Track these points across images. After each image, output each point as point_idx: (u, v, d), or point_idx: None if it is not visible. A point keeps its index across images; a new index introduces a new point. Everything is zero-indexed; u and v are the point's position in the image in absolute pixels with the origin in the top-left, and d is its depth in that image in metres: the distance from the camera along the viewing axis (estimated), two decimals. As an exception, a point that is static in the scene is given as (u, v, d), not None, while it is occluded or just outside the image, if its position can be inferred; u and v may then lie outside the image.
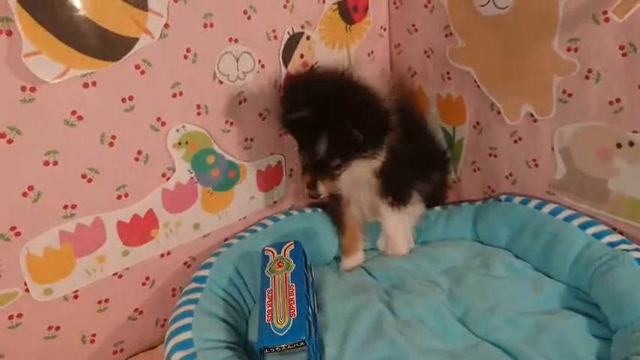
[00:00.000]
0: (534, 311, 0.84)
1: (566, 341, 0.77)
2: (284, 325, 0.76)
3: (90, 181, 0.82)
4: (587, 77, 0.88)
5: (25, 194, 0.77)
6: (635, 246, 0.85)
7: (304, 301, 0.80)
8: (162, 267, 0.96)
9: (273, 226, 1.06)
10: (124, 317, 0.94)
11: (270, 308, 0.79)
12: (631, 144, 0.86)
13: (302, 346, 0.75)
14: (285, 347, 0.75)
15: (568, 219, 0.93)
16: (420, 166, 1.07)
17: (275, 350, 0.75)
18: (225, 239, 1.02)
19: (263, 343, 0.75)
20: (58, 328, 0.86)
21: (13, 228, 0.78)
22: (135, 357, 0.97)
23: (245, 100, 0.98)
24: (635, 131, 0.84)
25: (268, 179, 1.08)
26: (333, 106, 0.86)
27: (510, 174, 1.06)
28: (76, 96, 0.77)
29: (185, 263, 0.99)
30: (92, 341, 0.91)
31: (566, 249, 0.89)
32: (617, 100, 0.85)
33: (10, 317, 0.81)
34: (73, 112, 0.77)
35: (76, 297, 0.87)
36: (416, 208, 1.09)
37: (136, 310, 0.95)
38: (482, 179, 1.12)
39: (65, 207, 0.82)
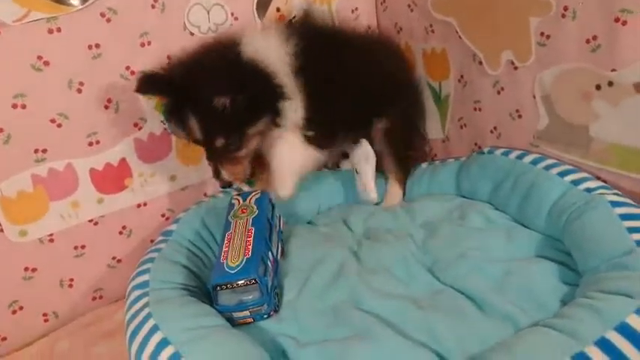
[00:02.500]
0: (504, 259, 0.81)
1: (532, 286, 0.74)
2: (237, 263, 0.76)
3: (59, 126, 0.85)
4: (563, 15, 0.83)
5: (-6, 136, 0.81)
6: (614, 191, 0.80)
7: (262, 244, 0.80)
8: (139, 217, 0.98)
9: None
10: (103, 265, 0.97)
11: (226, 249, 0.79)
12: (610, 84, 0.81)
13: (253, 284, 0.75)
14: (238, 285, 0.75)
15: (548, 167, 0.88)
16: (359, 106, 0.95)
17: (227, 288, 0.75)
18: (205, 194, 1.04)
19: (215, 281, 0.75)
20: (34, 269, 0.90)
21: (-16, 170, 0.82)
22: (115, 303, 0.99)
23: (219, 53, 0.99)
24: (613, 69, 0.79)
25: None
26: (186, 80, 0.78)
27: (495, 127, 1.02)
28: (42, 41, 0.80)
29: (163, 215, 1.01)
30: (70, 285, 0.94)
31: (543, 196, 0.85)
32: (594, 38, 0.81)
33: (-14, 256, 0.85)
34: (39, 57, 0.81)
35: (51, 240, 0.90)
36: (358, 154, 1.02)
37: (114, 258, 0.98)
38: (469, 135, 1.09)
39: (36, 151, 0.85)
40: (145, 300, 0.76)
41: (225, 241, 0.81)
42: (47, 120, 0.84)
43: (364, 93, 0.94)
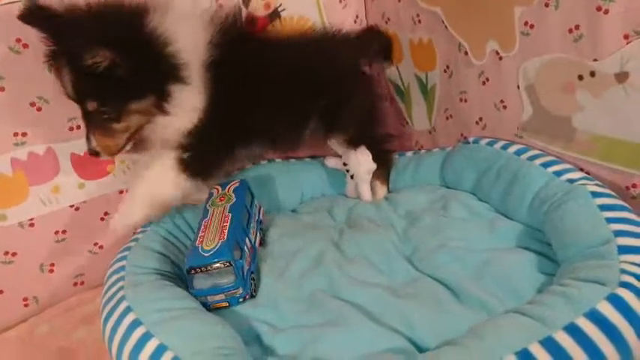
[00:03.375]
0: (485, 249, 0.81)
1: (509, 276, 0.74)
2: (212, 246, 0.76)
3: (39, 109, 0.85)
4: (546, 5, 0.83)
5: (-28, 119, 0.81)
6: (595, 182, 0.80)
7: (238, 229, 0.80)
8: (122, 203, 0.98)
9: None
10: (84, 250, 0.97)
11: (202, 234, 0.79)
12: (592, 74, 0.80)
13: (228, 266, 0.75)
14: (212, 268, 0.75)
15: (532, 158, 0.88)
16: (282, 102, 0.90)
17: (202, 271, 0.75)
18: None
19: (189, 264, 0.75)
20: (14, 254, 0.90)
21: (-36, 151, 0.82)
22: (96, 289, 0.99)
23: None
24: (595, 59, 0.79)
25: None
26: (68, 24, 0.71)
27: (480, 118, 1.02)
28: (20, 23, 0.79)
29: (147, 202, 1.01)
30: (51, 271, 0.94)
31: (526, 187, 0.85)
32: (577, 27, 0.80)
33: (-35, 239, 0.85)
34: (18, 40, 0.80)
35: (32, 225, 0.90)
36: (358, 164, 0.98)
37: (96, 244, 0.98)
38: (455, 127, 1.09)
39: (15, 134, 0.85)
40: (120, 284, 0.77)
41: (202, 227, 0.81)
42: (27, 103, 0.84)
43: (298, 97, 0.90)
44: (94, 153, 0.79)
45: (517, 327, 0.58)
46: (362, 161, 1.01)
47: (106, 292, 0.78)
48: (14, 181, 0.86)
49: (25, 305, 0.93)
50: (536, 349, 0.54)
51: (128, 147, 0.82)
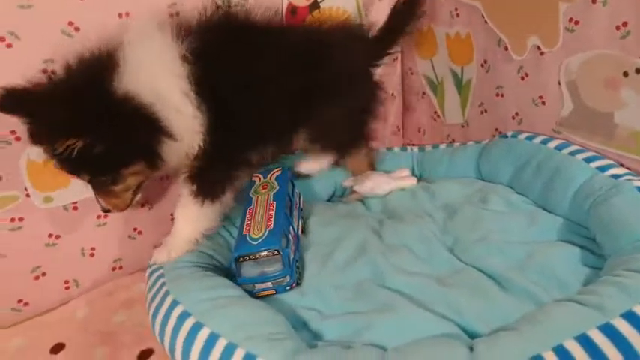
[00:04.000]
0: (526, 242, 0.82)
1: (553, 268, 0.75)
2: (259, 235, 0.77)
3: (88, 94, 0.86)
4: (593, 1, 0.83)
5: (25, 100, 0.81)
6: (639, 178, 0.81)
7: (283, 217, 0.81)
8: (162, 190, 0.99)
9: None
10: (124, 236, 0.98)
11: (248, 223, 0.80)
12: (637, 71, 0.81)
13: (276, 254, 0.76)
14: (260, 256, 0.76)
15: (573, 153, 0.89)
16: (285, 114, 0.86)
17: (250, 259, 0.76)
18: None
19: (238, 252, 0.76)
20: (58, 236, 0.90)
21: (13, 132, 0.82)
22: (133, 275, 1.00)
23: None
24: (642, 56, 0.80)
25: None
26: (37, 110, 0.69)
27: (517, 113, 1.03)
28: (73, 7, 0.80)
29: (184, 189, 1.02)
30: (92, 254, 0.95)
31: (568, 181, 0.85)
32: (624, 24, 0.81)
33: (12, 220, 0.86)
34: (70, 23, 0.81)
35: (75, 209, 0.91)
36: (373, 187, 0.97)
37: (135, 229, 0.99)
38: (490, 121, 1.09)
39: (65, 118, 0.85)
40: (162, 280, 0.78)
41: (247, 216, 0.82)
42: (76, 88, 0.85)
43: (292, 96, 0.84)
44: (106, 211, 0.80)
45: (573, 313, 0.60)
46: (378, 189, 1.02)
47: (150, 289, 0.79)
48: (61, 164, 0.87)
49: (66, 288, 0.94)
50: (595, 334, 0.56)
51: (137, 198, 0.82)
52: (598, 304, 0.59)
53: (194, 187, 0.82)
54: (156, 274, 0.81)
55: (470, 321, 0.68)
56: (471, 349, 0.59)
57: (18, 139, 0.82)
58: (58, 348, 0.84)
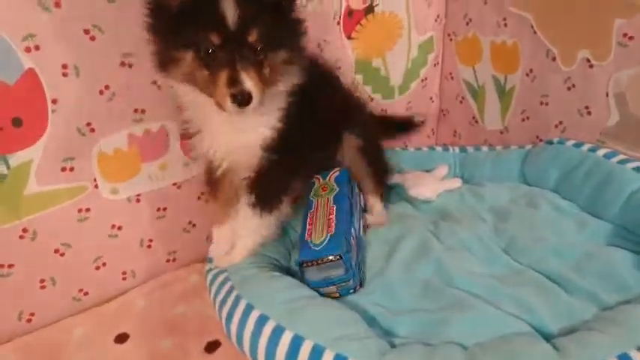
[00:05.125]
0: (580, 245, 0.85)
1: (611, 270, 0.78)
2: (321, 240, 0.79)
3: (159, 87, 0.87)
4: (650, 18, 0.88)
5: (101, 92, 0.82)
6: (686, 188, 0.85)
7: (344, 221, 0.82)
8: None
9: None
10: (179, 228, 0.99)
11: (310, 227, 0.82)
12: (689, 87, 0.86)
13: (338, 259, 0.77)
14: (323, 261, 0.77)
15: (622, 162, 0.93)
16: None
17: (313, 264, 0.77)
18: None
19: (302, 257, 0.77)
20: (120, 227, 0.91)
21: (88, 124, 0.83)
22: (187, 267, 1.01)
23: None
24: (695, 73, 0.84)
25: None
26: None
27: (560, 122, 1.07)
28: (154, 2, 0.81)
29: (238, 184, 1.03)
30: (149, 246, 0.96)
31: (619, 189, 0.90)
32: (680, 42, 0.85)
33: (80, 210, 0.86)
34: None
35: (138, 200, 0.92)
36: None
37: (190, 222, 1.00)
38: (531, 128, 1.13)
39: (135, 111, 0.86)
40: (228, 285, 0.78)
41: (309, 220, 0.83)
42: (149, 81, 0.86)
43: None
44: (246, 95, 0.66)
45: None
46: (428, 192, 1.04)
47: (217, 293, 0.78)
48: (128, 156, 0.88)
49: (124, 279, 0.95)
50: None
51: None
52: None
53: (252, 199, 0.82)
54: (221, 278, 0.80)
55: (541, 320, 0.71)
56: (554, 347, 0.63)
57: (92, 130, 0.83)
58: (122, 338, 0.85)
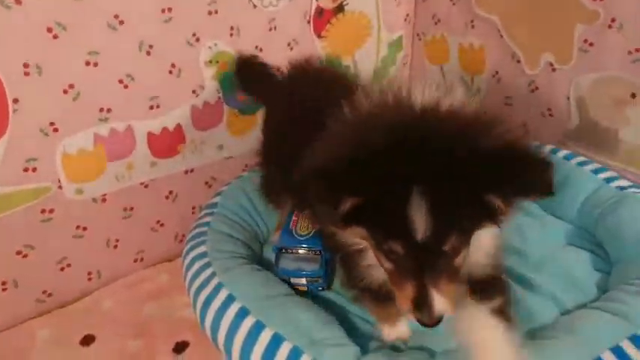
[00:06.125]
0: (540, 245, 0.88)
1: (570, 271, 0.81)
2: (305, 232, 0.80)
3: (126, 87, 0.85)
4: (609, 26, 0.91)
5: (65, 91, 0.80)
6: (643, 189, 0.89)
7: None
8: (185, 183, 1.00)
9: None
10: (147, 227, 0.98)
11: (296, 218, 0.83)
12: (645, 93, 0.89)
13: (316, 255, 0.79)
14: (301, 253, 0.79)
15: (581, 164, 0.96)
16: None
17: (291, 252, 0.80)
18: (246, 165, 1.06)
19: (282, 243, 0.79)
20: (85, 228, 0.90)
21: (52, 124, 0.81)
22: (155, 267, 1.00)
23: (275, 28, 1.00)
24: (650, 80, 0.88)
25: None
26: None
27: (524, 124, 1.10)
28: (119, 0, 0.79)
29: (206, 183, 1.03)
30: (115, 246, 0.95)
31: (577, 191, 0.92)
32: (637, 50, 0.88)
33: (43, 211, 0.85)
34: (116, 16, 0.80)
35: (104, 200, 0.90)
36: None
37: (158, 222, 0.99)
38: (496, 129, 1.16)
39: (101, 110, 0.85)
40: (211, 270, 0.77)
41: (296, 213, 0.84)
42: (116, 80, 0.84)
43: None
44: (435, 320, 0.51)
45: (605, 324, 0.65)
46: None
47: (195, 277, 0.77)
48: (94, 156, 0.86)
49: (89, 279, 0.94)
50: (627, 346, 0.61)
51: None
52: (624, 313, 0.65)
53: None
54: (202, 261, 0.79)
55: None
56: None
57: (56, 130, 0.81)
58: (88, 340, 0.84)
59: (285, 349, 0.64)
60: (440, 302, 0.50)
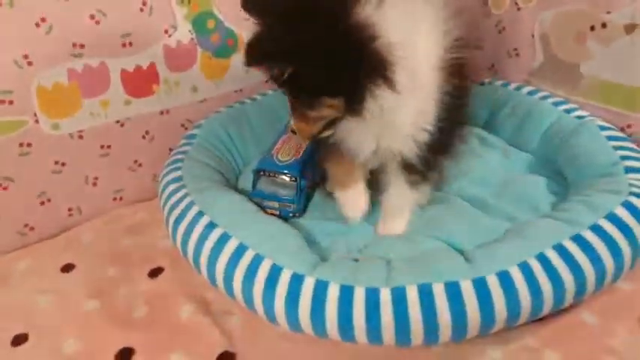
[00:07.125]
0: (502, 173, 0.92)
1: (527, 194, 0.86)
2: (286, 159, 0.84)
3: (97, 22, 0.88)
4: (569, -40, 0.93)
5: (37, 25, 0.83)
6: (601, 119, 0.92)
7: (311, 152, 0.87)
8: (161, 124, 1.03)
9: (263, 100, 1.10)
10: (125, 166, 1.01)
11: (279, 147, 0.87)
12: (604, 25, 0.92)
13: (293, 181, 0.82)
14: (279, 177, 0.83)
15: (543, 98, 1.00)
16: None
17: (269, 176, 0.84)
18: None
19: (260, 165, 0.83)
20: (63, 164, 0.93)
21: (25, 56, 0.83)
22: (134, 205, 1.04)
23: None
24: (608, 12, 0.90)
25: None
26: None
27: (493, 65, 1.13)
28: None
29: (182, 125, 1.06)
30: (94, 184, 0.98)
31: (538, 121, 0.97)
32: (597, -18, 0.91)
33: (21, 145, 0.87)
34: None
35: (81, 137, 0.93)
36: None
37: (135, 161, 1.02)
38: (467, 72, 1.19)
39: (74, 45, 0.87)
40: (183, 191, 0.81)
41: (280, 141, 0.88)
42: (87, 15, 0.86)
43: None
44: (292, 131, 0.85)
45: (550, 227, 0.70)
46: None
47: (168, 199, 0.82)
48: (69, 90, 0.89)
49: (70, 215, 0.97)
50: (569, 244, 0.66)
51: (327, 133, 0.73)
52: (569, 219, 0.70)
53: (411, 177, 0.80)
54: (175, 185, 0.83)
55: (460, 240, 0.76)
56: (466, 259, 0.68)
57: (30, 63, 0.84)
58: (68, 268, 0.88)
59: (248, 257, 0.68)
60: (293, 124, 0.74)
